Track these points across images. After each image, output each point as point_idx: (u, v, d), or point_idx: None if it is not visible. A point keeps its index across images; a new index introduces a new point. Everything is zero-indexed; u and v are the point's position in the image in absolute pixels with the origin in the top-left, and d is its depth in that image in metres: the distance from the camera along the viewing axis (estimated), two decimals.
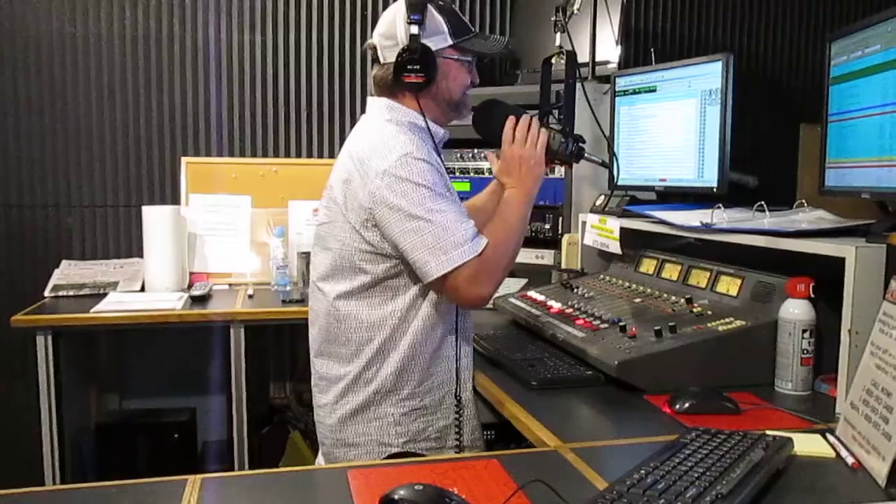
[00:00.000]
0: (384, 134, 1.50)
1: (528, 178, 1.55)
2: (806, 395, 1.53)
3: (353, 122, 3.12)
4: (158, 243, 2.70)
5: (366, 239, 1.47)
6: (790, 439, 1.18)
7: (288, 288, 2.77)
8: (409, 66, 1.50)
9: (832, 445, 1.22)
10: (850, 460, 1.16)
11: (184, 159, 2.97)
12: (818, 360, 1.55)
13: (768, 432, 1.20)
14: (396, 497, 0.94)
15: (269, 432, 2.91)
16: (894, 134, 1.47)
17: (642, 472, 1.02)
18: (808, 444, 1.22)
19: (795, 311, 1.53)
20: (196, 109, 3.01)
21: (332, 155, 3.13)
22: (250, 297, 2.67)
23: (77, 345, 2.64)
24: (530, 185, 1.56)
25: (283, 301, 2.57)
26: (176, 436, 2.74)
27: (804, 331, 1.52)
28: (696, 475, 1.01)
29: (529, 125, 1.57)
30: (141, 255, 2.79)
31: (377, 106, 1.58)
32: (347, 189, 1.49)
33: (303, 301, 2.55)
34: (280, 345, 3.12)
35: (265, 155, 3.09)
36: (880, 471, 1.08)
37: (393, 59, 1.51)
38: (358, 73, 3.15)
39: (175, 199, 2.96)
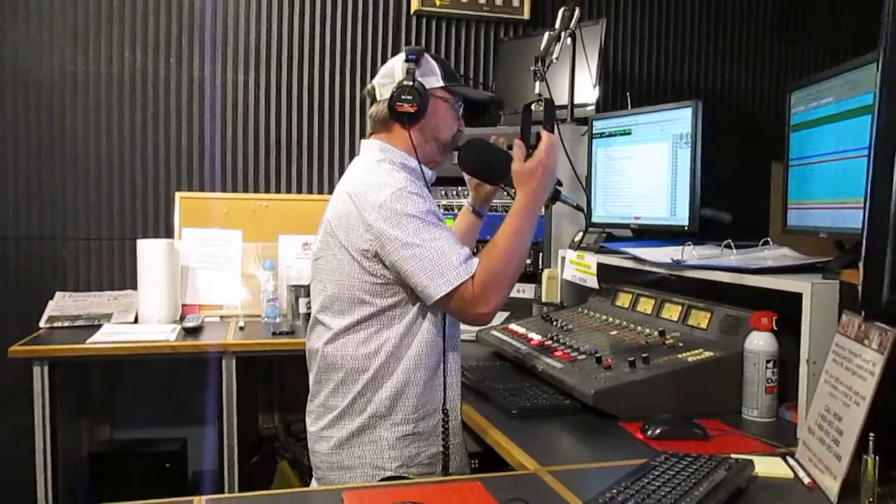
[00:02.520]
0: (378, 172, 1.61)
1: (542, 188, 1.62)
2: (771, 422, 1.63)
3: (342, 160, 3.28)
4: (152, 276, 2.78)
5: (367, 270, 1.56)
6: (751, 461, 1.27)
7: (278, 320, 2.85)
8: (402, 97, 1.62)
9: (791, 467, 1.32)
10: (806, 480, 1.26)
11: (177, 194, 3.06)
12: (783, 388, 1.65)
13: (732, 455, 1.29)
14: None
15: (257, 462, 2.97)
16: (847, 179, 1.59)
17: (614, 491, 1.11)
18: (769, 467, 1.31)
19: (759, 342, 1.64)
20: (190, 146, 3.11)
21: (320, 191, 3.23)
22: (241, 328, 2.73)
23: (71, 375, 2.69)
24: (540, 196, 1.63)
25: (274, 333, 2.64)
26: (167, 465, 2.79)
27: (768, 361, 1.63)
28: (662, 494, 1.10)
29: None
30: (134, 287, 2.87)
31: (371, 147, 1.70)
32: (346, 224, 1.58)
33: (293, 333, 2.63)
34: (269, 375, 3.18)
35: (256, 190, 3.19)
36: (832, 489, 1.18)
37: (388, 95, 1.64)
38: (347, 113, 3.27)
39: (168, 233, 3.04)
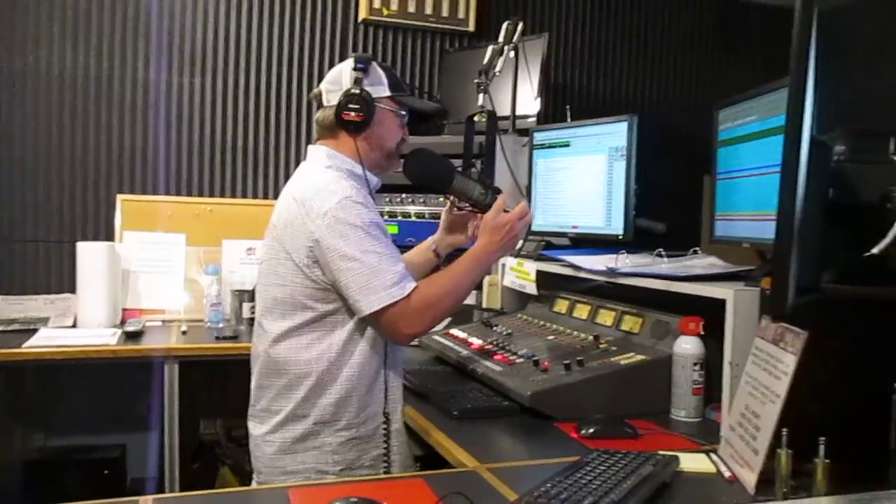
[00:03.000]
0: (326, 178, 1.64)
1: (500, 246, 1.71)
2: (698, 422, 1.71)
3: (287, 165, 3.29)
4: (92, 279, 2.73)
5: (309, 276, 1.59)
6: (676, 457, 1.35)
7: (221, 325, 2.84)
8: (349, 105, 1.65)
9: (714, 463, 1.40)
10: (727, 474, 1.34)
11: (119, 196, 3.03)
12: (709, 390, 1.73)
13: (659, 452, 1.37)
14: None
15: (198, 468, 2.94)
16: (767, 192, 1.69)
17: (548, 485, 1.17)
18: (694, 463, 1.39)
19: (687, 346, 1.73)
20: (133, 147, 3.08)
21: (266, 196, 3.24)
22: (184, 333, 2.72)
23: (3, 380, 2.63)
24: (495, 252, 1.72)
25: (217, 337, 2.64)
26: (105, 472, 2.75)
27: (695, 364, 1.72)
28: (593, 487, 1.16)
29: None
30: (72, 291, 2.82)
31: (318, 154, 1.72)
32: (291, 229, 1.61)
33: (236, 338, 2.63)
34: (211, 381, 3.16)
35: (201, 194, 3.17)
36: (750, 481, 1.27)
37: (336, 102, 1.66)
38: (293, 118, 3.29)
39: (109, 236, 3.00)
